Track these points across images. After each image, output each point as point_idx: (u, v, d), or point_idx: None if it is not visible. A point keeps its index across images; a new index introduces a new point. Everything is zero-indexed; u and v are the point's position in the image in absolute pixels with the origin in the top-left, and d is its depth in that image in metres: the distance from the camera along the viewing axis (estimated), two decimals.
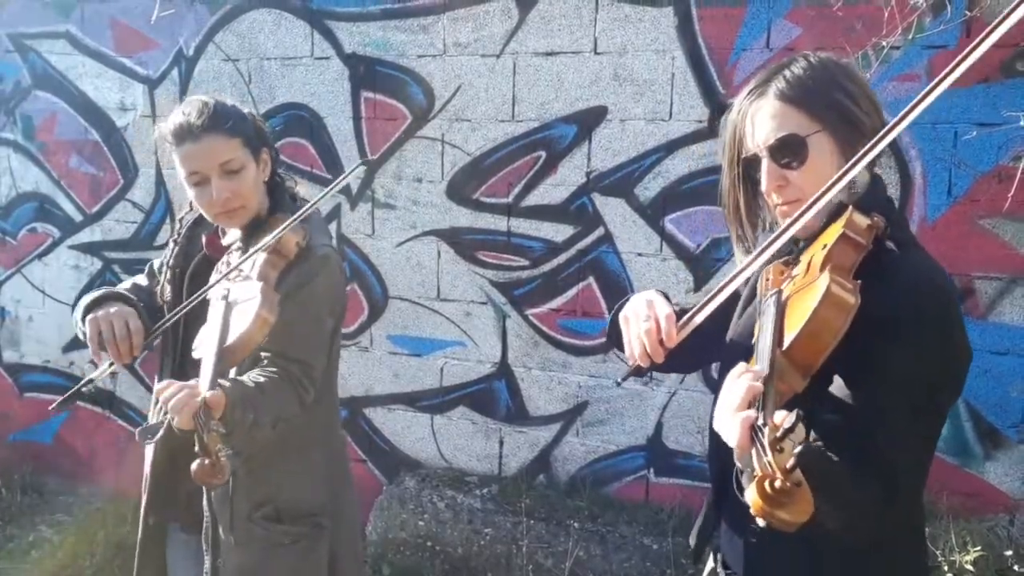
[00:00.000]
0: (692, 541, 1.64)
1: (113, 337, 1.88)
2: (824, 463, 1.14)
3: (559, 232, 3.60)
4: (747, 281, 1.56)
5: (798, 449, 0.99)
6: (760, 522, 1.02)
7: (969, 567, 2.76)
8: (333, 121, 3.90)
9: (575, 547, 3.32)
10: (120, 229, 4.43)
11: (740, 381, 1.17)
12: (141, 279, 2.20)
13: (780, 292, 1.34)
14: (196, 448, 1.51)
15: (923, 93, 1.20)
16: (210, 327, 1.75)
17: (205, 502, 1.94)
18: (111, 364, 1.92)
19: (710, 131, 3.30)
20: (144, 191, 4.30)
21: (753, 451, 1.06)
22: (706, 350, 1.56)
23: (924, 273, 1.32)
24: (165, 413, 1.61)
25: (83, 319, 1.96)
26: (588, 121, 3.48)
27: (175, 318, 1.91)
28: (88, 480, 4.57)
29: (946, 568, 2.78)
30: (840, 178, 1.26)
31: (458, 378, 3.86)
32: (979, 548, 2.79)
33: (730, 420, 1.14)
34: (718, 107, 3.27)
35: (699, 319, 1.44)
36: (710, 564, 1.63)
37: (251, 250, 1.86)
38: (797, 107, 1.37)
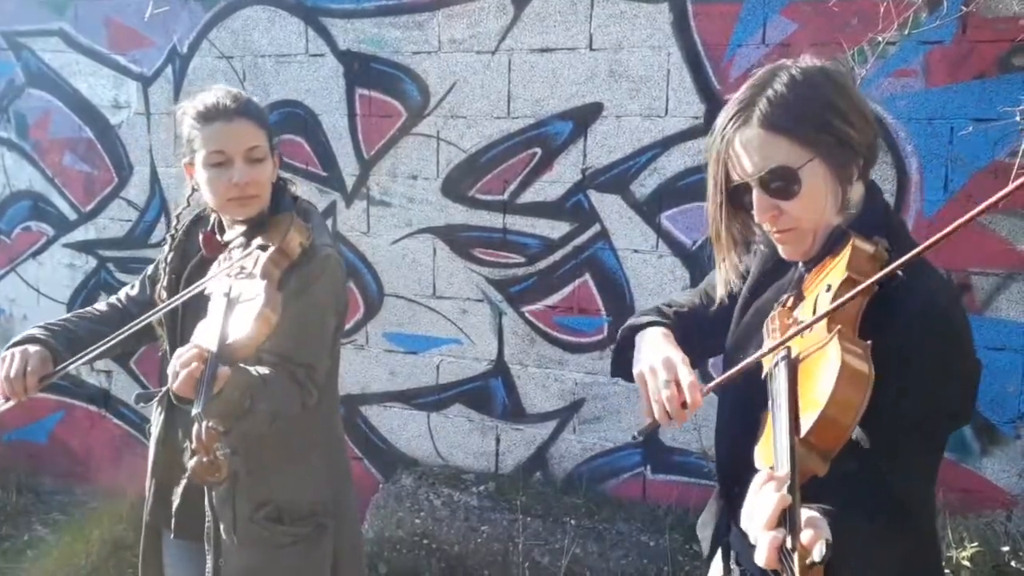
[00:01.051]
0: (705, 539, 1.61)
1: (8, 375, 1.88)
2: (845, 554, 1.09)
3: (555, 229, 3.60)
4: (744, 281, 1.54)
5: (819, 561, 0.98)
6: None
7: (966, 563, 2.76)
8: (328, 118, 3.89)
9: (572, 544, 3.32)
10: (115, 227, 4.41)
11: (767, 495, 1.09)
12: (132, 290, 2.20)
13: (789, 352, 1.25)
14: (194, 445, 1.50)
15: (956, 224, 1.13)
16: (210, 322, 1.74)
17: (207, 502, 1.93)
18: (7, 399, 1.92)
19: (706, 127, 3.29)
20: (139, 189, 4.29)
21: (784, 574, 1.03)
22: (701, 352, 1.55)
23: (929, 300, 1.25)
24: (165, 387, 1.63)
25: None
26: (584, 118, 3.47)
27: (107, 344, 1.91)
28: (83, 479, 4.56)
29: (943, 564, 2.78)
30: (869, 283, 1.17)
31: (454, 376, 3.86)
32: (976, 544, 2.79)
33: (760, 540, 1.07)
34: (714, 103, 3.27)
35: (727, 382, 1.37)
36: (718, 560, 1.62)
37: (253, 246, 1.85)
38: (785, 135, 1.28)
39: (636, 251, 3.48)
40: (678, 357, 1.45)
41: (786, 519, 1.05)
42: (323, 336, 1.95)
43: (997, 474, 3.08)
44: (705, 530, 1.63)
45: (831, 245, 1.34)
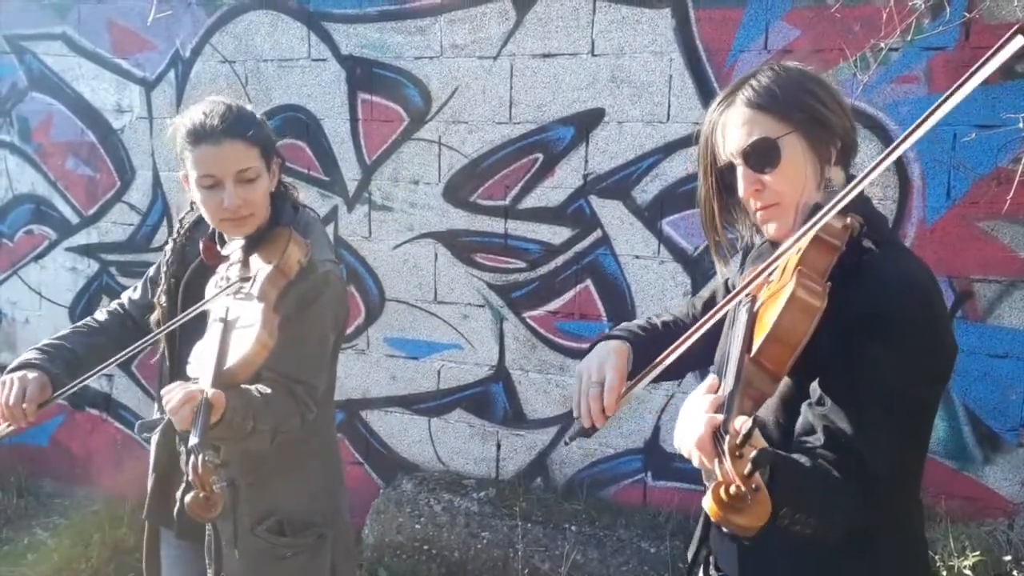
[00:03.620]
0: (690, 551, 1.63)
1: (7, 402, 1.87)
2: (786, 469, 1.18)
3: (556, 234, 3.59)
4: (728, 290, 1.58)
5: (753, 454, 1.02)
6: (724, 528, 1.05)
7: (968, 572, 2.75)
8: (330, 123, 3.89)
9: (572, 551, 3.31)
10: (117, 231, 4.41)
11: (703, 397, 1.22)
12: (134, 293, 2.19)
13: (755, 299, 1.35)
14: (190, 477, 1.48)
15: (923, 117, 1.23)
16: (207, 345, 1.72)
17: (216, 513, 1.92)
18: (9, 425, 1.91)
19: None
20: (141, 193, 4.29)
21: (715, 460, 1.09)
22: (693, 360, 1.55)
23: (900, 269, 1.33)
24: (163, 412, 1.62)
25: None
26: (585, 123, 3.47)
27: (104, 367, 1.92)
28: (84, 483, 4.55)
29: (945, 573, 2.77)
30: (834, 206, 1.24)
31: (455, 381, 3.85)
32: (978, 552, 2.78)
33: (695, 423, 1.19)
34: None
35: (641, 386, 1.47)
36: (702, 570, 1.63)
37: (252, 265, 1.85)
38: (765, 112, 1.39)
39: (637, 257, 3.48)
40: (611, 364, 1.52)
41: (723, 407, 1.17)
42: (323, 354, 1.94)
43: (999, 482, 3.06)
44: (692, 543, 1.64)
45: (808, 221, 1.38)
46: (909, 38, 2.86)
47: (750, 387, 1.21)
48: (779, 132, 1.38)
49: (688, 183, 3.35)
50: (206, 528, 1.91)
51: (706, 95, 3.28)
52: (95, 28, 4.27)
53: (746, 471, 1.02)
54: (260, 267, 1.83)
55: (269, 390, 1.79)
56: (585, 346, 3.54)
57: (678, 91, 3.32)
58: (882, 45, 2.86)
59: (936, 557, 2.80)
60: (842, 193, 1.22)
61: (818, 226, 1.24)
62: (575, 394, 1.53)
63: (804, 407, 1.31)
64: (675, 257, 3.42)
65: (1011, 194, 2.82)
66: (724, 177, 1.45)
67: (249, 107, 1.96)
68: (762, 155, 1.39)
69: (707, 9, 3.24)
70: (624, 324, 1.74)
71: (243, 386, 1.77)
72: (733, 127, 1.42)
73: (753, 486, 1.02)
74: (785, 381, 1.36)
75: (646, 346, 1.61)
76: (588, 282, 3.58)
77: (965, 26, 2.89)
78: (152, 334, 1.96)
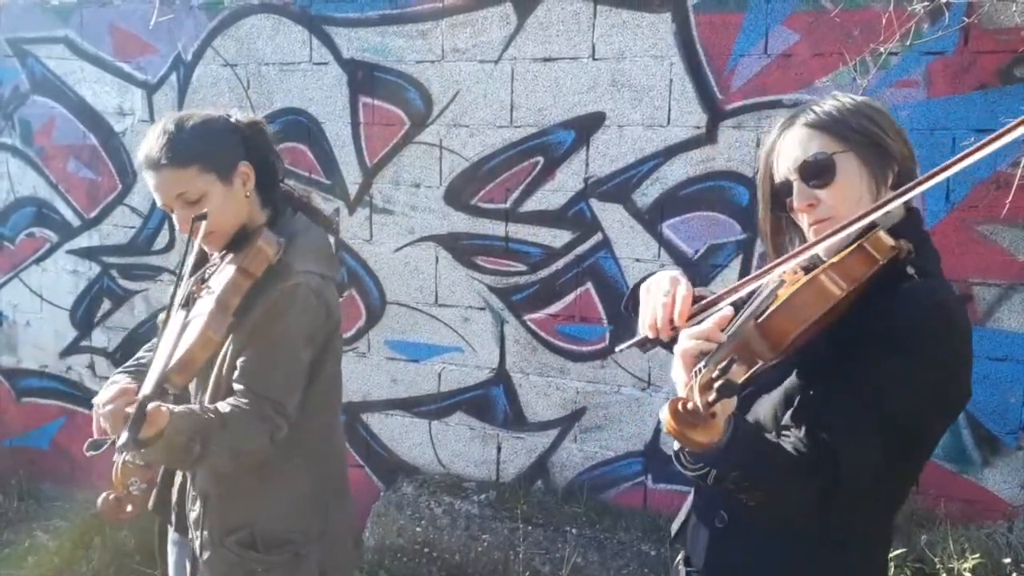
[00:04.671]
0: (673, 528, 1.68)
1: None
2: (749, 432, 1.27)
3: (557, 238, 3.60)
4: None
5: (720, 383, 1.12)
6: (676, 445, 1.20)
7: (967, 574, 2.76)
8: (331, 126, 3.90)
9: (573, 553, 3.31)
10: (118, 234, 4.42)
11: (706, 327, 1.28)
12: None
13: (783, 282, 1.37)
14: (114, 479, 1.48)
15: (973, 148, 1.20)
16: (163, 341, 1.73)
17: (190, 520, 1.93)
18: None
19: (708, 137, 3.30)
20: (142, 196, 4.30)
21: (687, 382, 1.20)
22: None
23: (936, 299, 1.32)
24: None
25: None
26: (586, 127, 3.48)
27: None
28: (85, 485, 4.55)
29: (944, 575, 2.78)
30: (880, 206, 1.28)
31: (456, 384, 3.86)
32: (978, 555, 2.79)
33: (681, 353, 1.26)
34: (716, 113, 3.28)
35: (712, 309, 1.42)
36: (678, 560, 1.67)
37: (223, 262, 1.85)
38: (823, 131, 1.41)
39: (638, 260, 3.49)
40: (684, 280, 1.49)
41: (711, 355, 1.23)
42: (294, 370, 1.86)
43: (999, 485, 3.07)
44: (674, 526, 1.69)
45: (859, 240, 1.39)
46: (908, 43, 2.87)
47: (745, 346, 1.24)
48: (835, 148, 1.40)
49: (688, 187, 3.36)
50: (188, 532, 1.92)
51: (706, 99, 3.29)
52: (97, 32, 4.29)
53: (710, 398, 1.12)
54: (229, 266, 1.82)
55: (229, 409, 1.76)
56: (585, 349, 3.59)
57: (678, 95, 3.33)
58: (881, 49, 2.87)
59: (936, 559, 2.80)
60: (897, 192, 1.27)
61: (872, 216, 1.29)
62: (642, 307, 1.48)
63: (798, 403, 1.35)
64: (676, 260, 3.43)
65: (1010, 198, 2.83)
66: (780, 195, 1.47)
67: (215, 113, 1.90)
68: (817, 170, 1.40)
69: (707, 13, 3.25)
70: None
71: (200, 407, 1.75)
72: (791, 146, 1.44)
73: (710, 412, 1.12)
74: (792, 382, 1.38)
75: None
76: (589, 285, 3.59)
77: (964, 31, 2.90)
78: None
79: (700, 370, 1.19)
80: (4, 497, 4.44)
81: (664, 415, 1.13)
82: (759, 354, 1.25)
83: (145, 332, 4.22)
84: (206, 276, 1.90)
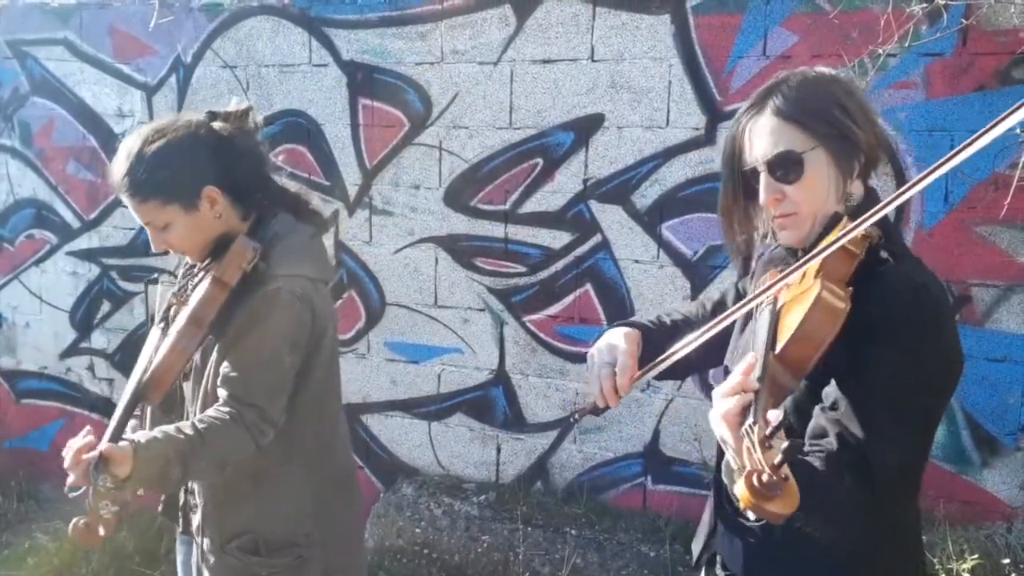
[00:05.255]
0: (695, 548, 1.65)
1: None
2: (805, 468, 1.21)
3: (556, 239, 3.60)
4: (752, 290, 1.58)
5: (785, 445, 1.05)
6: (751, 516, 1.08)
7: (967, 575, 2.76)
8: (331, 128, 3.90)
9: (572, 554, 3.31)
10: (117, 236, 4.43)
11: (736, 380, 1.23)
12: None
13: (776, 301, 1.37)
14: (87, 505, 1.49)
15: (954, 151, 1.19)
16: (141, 357, 1.74)
17: (193, 527, 1.94)
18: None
19: (707, 138, 3.31)
20: None
21: (744, 448, 1.12)
22: (698, 361, 1.57)
23: (912, 279, 1.34)
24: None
25: None
26: (585, 128, 3.48)
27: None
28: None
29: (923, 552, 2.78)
30: (856, 227, 1.26)
31: (455, 385, 3.86)
32: (976, 556, 2.79)
33: (723, 416, 1.21)
34: (715, 114, 3.28)
35: (657, 371, 1.50)
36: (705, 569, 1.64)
37: (200, 274, 1.86)
38: (794, 124, 1.40)
39: (637, 261, 3.49)
40: (625, 343, 1.56)
41: (752, 404, 1.18)
42: (277, 376, 1.83)
43: (998, 486, 3.07)
44: (696, 542, 1.65)
45: (827, 230, 1.41)
46: (907, 44, 2.88)
47: (774, 383, 1.23)
48: (805, 146, 1.39)
49: (687, 188, 3.37)
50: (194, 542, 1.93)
51: (705, 101, 3.30)
52: (97, 33, 4.29)
53: (776, 461, 1.05)
54: (206, 277, 1.82)
55: (207, 424, 1.74)
56: (585, 350, 3.57)
57: (677, 96, 3.33)
58: (880, 51, 2.87)
59: (935, 561, 2.80)
60: (877, 207, 1.25)
61: (846, 239, 1.27)
62: (588, 375, 1.55)
63: (816, 410, 1.33)
64: (674, 261, 3.43)
65: (1008, 199, 2.83)
66: (747, 180, 1.47)
67: (160, 145, 1.82)
68: (786, 167, 1.40)
69: (706, 15, 3.25)
70: (633, 318, 1.76)
71: (175, 427, 1.73)
72: (760, 134, 1.42)
73: (783, 475, 1.05)
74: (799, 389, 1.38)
75: (656, 336, 1.64)
76: (588, 286, 3.59)
77: (962, 32, 2.91)
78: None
79: (750, 428, 1.13)
80: (4, 498, 4.44)
81: (740, 492, 1.06)
82: (786, 387, 1.25)
83: (145, 334, 4.22)
84: (188, 289, 1.89)
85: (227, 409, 1.78)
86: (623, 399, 1.54)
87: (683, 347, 1.44)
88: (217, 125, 1.88)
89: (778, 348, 1.26)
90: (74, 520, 1.47)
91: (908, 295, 1.31)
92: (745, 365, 1.26)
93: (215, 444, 1.74)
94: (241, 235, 1.84)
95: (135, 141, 1.84)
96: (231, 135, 1.89)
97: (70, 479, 1.60)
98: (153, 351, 1.72)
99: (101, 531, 1.50)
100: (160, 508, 2.08)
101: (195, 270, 1.95)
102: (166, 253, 1.95)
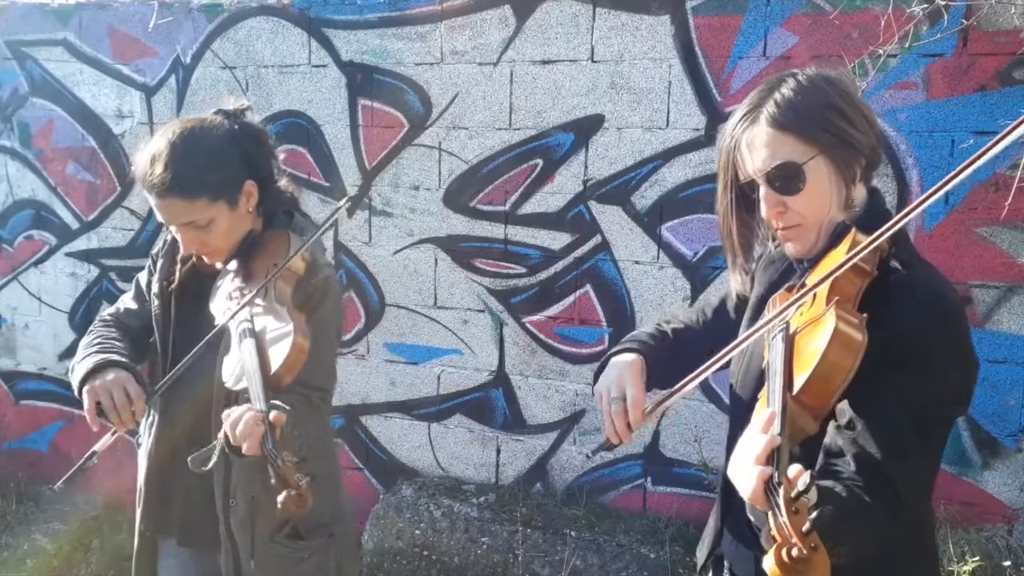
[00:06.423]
0: (700, 554, 1.63)
1: (114, 406, 1.83)
2: (835, 501, 1.14)
3: (556, 240, 3.60)
4: (754, 294, 1.56)
5: (813, 515, 0.99)
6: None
7: None
8: (331, 129, 3.90)
9: (572, 556, 3.31)
10: (117, 236, 4.42)
11: (757, 437, 1.15)
12: (130, 302, 2.13)
13: (788, 326, 1.31)
14: (273, 480, 1.48)
15: (963, 165, 1.19)
16: (246, 360, 1.68)
17: (223, 529, 1.91)
18: (114, 432, 1.89)
19: (707, 139, 3.30)
20: (141, 198, 4.29)
21: (769, 512, 1.05)
22: (698, 366, 1.56)
23: (933, 291, 1.31)
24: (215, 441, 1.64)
25: (80, 389, 1.89)
26: (585, 129, 3.48)
27: (177, 374, 1.83)
28: (84, 489, 4.54)
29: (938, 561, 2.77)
30: (864, 248, 1.22)
31: (455, 386, 3.85)
32: (977, 558, 2.78)
33: (747, 473, 1.13)
34: (715, 115, 3.28)
35: (667, 404, 1.47)
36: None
37: (260, 275, 1.83)
38: (791, 133, 1.35)
39: (637, 262, 3.48)
40: (629, 379, 1.52)
41: (774, 458, 1.10)
42: (332, 359, 1.99)
43: (998, 488, 3.07)
44: (702, 548, 1.64)
45: (834, 240, 1.38)
46: (907, 45, 2.88)
47: (793, 425, 1.16)
48: (804, 156, 1.34)
49: (687, 189, 3.36)
50: (223, 541, 1.91)
51: (705, 102, 3.29)
52: (96, 34, 4.28)
53: (804, 529, 0.99)
54: (269, 272, 1.79)
55: (289, 406, 1.73)
56: (584, 351, 3.58)
57: (677, 97, 3.33)
58: (880, 52, 2.87)
59: None
60: (886, 227, 1.21)
61: (857, 258, 1.22)
62: (601, 412, 1.52)
63: (831, 428, 1.27)
64: (674, 263, 3.43)
65: (1009, 200, 2.83)
66: (745, 191, 1.42)
67: (204, 143, 1.82)
68: (786, 179, 1.35)
69: (706, 16, 3.25)
70: (633, 334, 1.71)
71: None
72: (756, 146, 1.37)
73: (812, 544, 0.99)
74: None
75: (659, 355, 1.60)
76: (588, 287, 3.59)
77: (963, 33, 2.90)
78: (164, 379, 1.89)
79: (775, 487, 1.06)
80: (3, 500, 4.43)
81: (770, 567, 1.00)
82: (805, 430, 1.20)
83: None
84: (243, 291, 1.84)
85: (295, 396, 1.76)
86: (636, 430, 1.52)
87: (692, 379, 1.41)
88: (247, 119, 1.93)
89: (796, 388, 1.20)
90: (284, 493, 1.45)
91: (933, 312, 1.27)
92: (764, 421, 1.18)
93: (299, 419, 1.70)
94: (290, 232, 1.87)
95: (171, 140, 1.81)
96: (259, 131, 1.94)
97: (245, 447, 1.55)
98: (257, 357, 1.65)
99: (311, 500, 1.49)
100: (142, 524, 2.06)
101: (176, 275, 1.95)
102: (191, 258, 1.94)
